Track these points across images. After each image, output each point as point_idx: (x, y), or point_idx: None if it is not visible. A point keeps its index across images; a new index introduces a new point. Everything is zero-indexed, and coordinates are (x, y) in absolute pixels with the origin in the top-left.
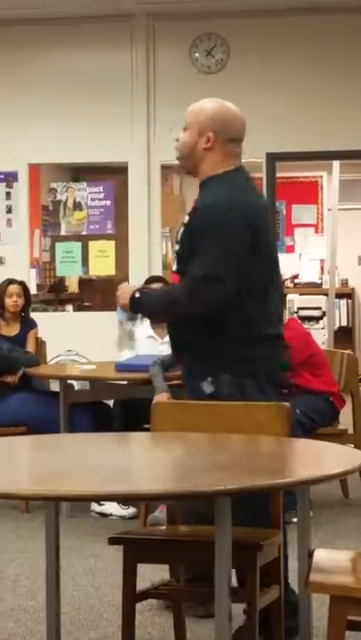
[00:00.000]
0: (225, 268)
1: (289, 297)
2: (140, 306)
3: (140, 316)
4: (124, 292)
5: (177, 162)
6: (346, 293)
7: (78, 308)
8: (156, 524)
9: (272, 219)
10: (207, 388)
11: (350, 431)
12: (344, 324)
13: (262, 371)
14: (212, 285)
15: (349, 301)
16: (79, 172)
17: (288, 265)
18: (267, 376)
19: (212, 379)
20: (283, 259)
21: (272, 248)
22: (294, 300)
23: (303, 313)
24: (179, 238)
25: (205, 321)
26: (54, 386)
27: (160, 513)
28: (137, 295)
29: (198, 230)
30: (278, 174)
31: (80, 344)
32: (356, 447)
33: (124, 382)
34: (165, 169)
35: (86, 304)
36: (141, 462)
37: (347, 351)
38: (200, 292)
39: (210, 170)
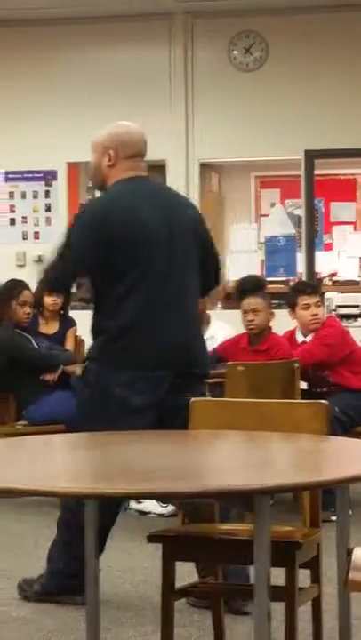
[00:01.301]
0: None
1: (327, 295)
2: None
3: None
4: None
5: (217, 159)
6: None
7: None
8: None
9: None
10: (79, 369)
11: None
12: None
13: (128, 366)
14: (48, 275)
15: None
16: None
17: (326, 263)
18: (134, 372)
19: (86, 364)
20: (321, 256)
21: (152, 248)
22: (333, 297)
23: (342, 311)
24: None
25: (97, 317)
26: None
27: None
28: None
29: (68, 230)
30: (317, 172)
31: None
32: None
33: None
34: (204, 167)
35: None
36: (179, 460)
37: None
38: (46, 276)
39: (111, 182)
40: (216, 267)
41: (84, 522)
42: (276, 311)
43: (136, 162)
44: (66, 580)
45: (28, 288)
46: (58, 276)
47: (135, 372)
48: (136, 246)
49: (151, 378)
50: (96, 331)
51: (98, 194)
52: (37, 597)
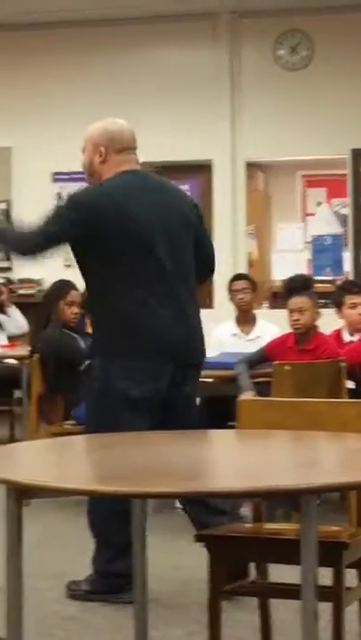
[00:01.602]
0: (44, 224)
1: None
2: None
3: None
4: None
5: (264, 159)
6: None
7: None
8: (242, 521)
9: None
10: (83, 366)
11: None
12: None
13: (128, 357)
14: (34, 237)
15: None
16: (164, 171)
17: None
18: (135, 363)
19: (90, 361)
20: None
21: (150, 238)
22: None
23: None
24: None
25: (93, 312)
26: None
27: (245, 510)
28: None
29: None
30: None
31: None
32: None
33: (210, 380)
34: (250, 166)
35: None
36: (226, 460)
37: None
38: (35, 236)
39: (104, 178)
40: (211, 254)
41: (115, 521)
42: (322, 310)
43: (126, 155)
44: (111, 579)
45: (75, 288)
46: (36, 241)
47: (135, 363)
48: (130, 238)
49: (150, 368)
50: (96, 325)
51: None
52: (86, 597)
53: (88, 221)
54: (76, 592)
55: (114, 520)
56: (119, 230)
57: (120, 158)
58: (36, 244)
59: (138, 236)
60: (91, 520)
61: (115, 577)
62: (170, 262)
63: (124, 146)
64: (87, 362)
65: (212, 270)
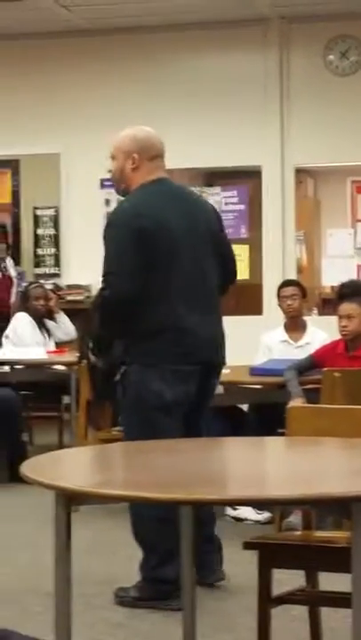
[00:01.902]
0: (113, 263)
1: None
2: (99, 349)
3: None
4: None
5: (313, 164)
6: None
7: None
8: (291, 529)
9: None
10: (117, 376)
11: None
12: None
13: (163, 361)
14: (109, 281)
15: None
16: (213, 177)
17: None
18: (169, 366)
19: (121, 368)
20: None
21: (181, 247)
22: None
23: None
24: None
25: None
26: None
27: (295, 518)
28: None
29: (103, 239)
30: None
31: None
32: None
33: (259, 386)
34: (299, 172)
35: None
36: (276, 467)
37: None
38: (106, 291)
39: (135, 186)
40: (232, 264)
41: (159, 527)
42: None
43: (158, 162)
44: (158, 586)
45: None
46: (119, 287)
47: (169, 367)
48: (166, 246)
49: (185, 372)
50: (129, 332)
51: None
52: (133, 603)
53: (138, 236)
54: (123, 599)
55: (158, 526)
56: (155, 243)
57: (152, 165)
58: (118, 289)
59: (171, 246)
60: (134, 526)
61: (162, 583)
62: (196, 270)
63: (157, 152)
64: (123, 368)
65: (232, 281)
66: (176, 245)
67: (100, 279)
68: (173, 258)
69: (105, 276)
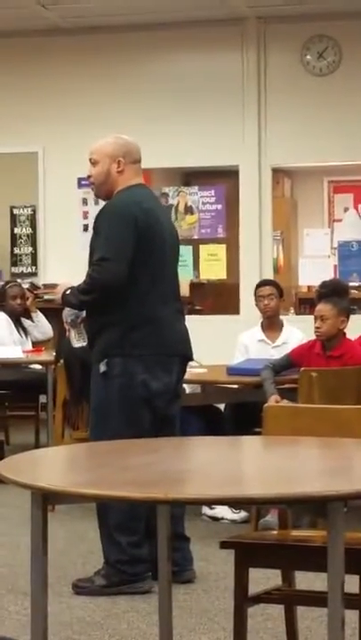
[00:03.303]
0: (111, 249)
1: None
2: (67, 301)
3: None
4: (59, 289)
5: (290, 164)
6: None
7: (189, 312)
8: (268, 528)
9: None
10: (102, 367)
11: None
12: None
13: (147, 352)
14: (104, 265)
15: None
16: (190, 176)
17: None
18: (155, 358)
19: (106, 360)
20: None
21: (164, 247)
22: None
23: None
24: (90, 243)
25: (99, 311)
26: None
27: (271, 517)
28: (66, 292)
29: (95, 229)
30: None
31: None
32: None
33: (236, 386)
34: (277, 172)
35: (197, 308)
36: (253, 466)
37: None
38: (97, 273)
39: (118, 189)
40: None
41: (122, 512)
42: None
43: (138, 167)
44: (125, 568)
45: None
46: (110, 272)
47: (154, 359)
48: (156, 241)
49: (167, 363)
50: (113, 325)
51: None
52: (100, 591)
53: (133, 228)
54: (87, 589)
55: (133, 508)
56: (145, 237)
57: (134, 169)
58: (111, 274)
59: (157, 243)
60: (103, 512)
61: (138, 563)
62: (172, 269)
63: (137, 157)
64: (104, 361)
65: None
66: (163, 242)
67: (91, 266)
68: (160, 253)
69: (99, 261)
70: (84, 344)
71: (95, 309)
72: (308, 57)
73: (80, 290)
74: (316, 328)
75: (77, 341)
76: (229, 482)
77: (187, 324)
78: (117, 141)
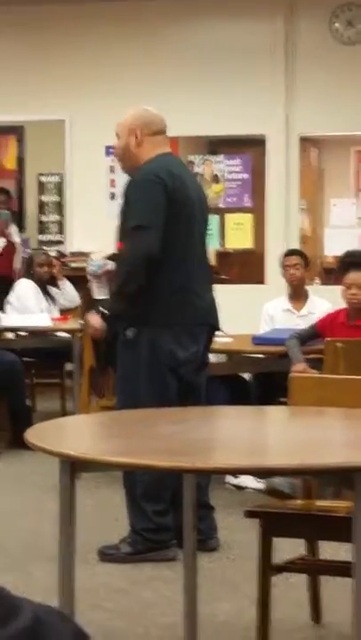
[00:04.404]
0: (146, 216)
1: None
2: (114, 316)
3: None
4: (92, 322)
5: (317, 134)
6: None
7: (215, 281)
8: (274, 489)
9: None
10: (129, 335)
11: None
12: None
13: (176, 321)
14: (139, 233)
15: None
16: (217, 145)
17: None
18: (182, 327)
19: (134, 328)
20: None
21: (193, 216)
22: None
23: None
24: (119, 212)
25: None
26: None
27: (279, 479)
28: (103, 312)
29: (126, 198)
30: None
31: None
32: None
33: (261, 355)
34: (304, 141)
35: (223, 277)
36: (278, 436)
37: None
38: (136, 243)
39: (142, 161)
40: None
41: (148, 481)
42: None
43: (160, 138)
44: (150, 536)
45: None
46: (148, 241)
47: (182, 328)
48: (184, 210)
49: (194, 333)
50: (142, 294)
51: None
52: (128, 558)
53: (164, 195)
54: (113, 556)
55: (160, 477)
56: (175, 203)
57: (155, 140)
58: (149, 243)
59: (187, 213)
60: (130, 480)
61: (164, 531)
62: (201, 238)
63: (158, 128)
64: (132, 329)
65: None
66: (192, 211)
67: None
68: (189, 222)
69: (133, 230)
70: (106, 297)
71: (141, 281)
72: (337, 25)
73: (120, 284)
74: (353, 295)
75: (98, 293)
76: (255, 452)
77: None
78: (136, 114)
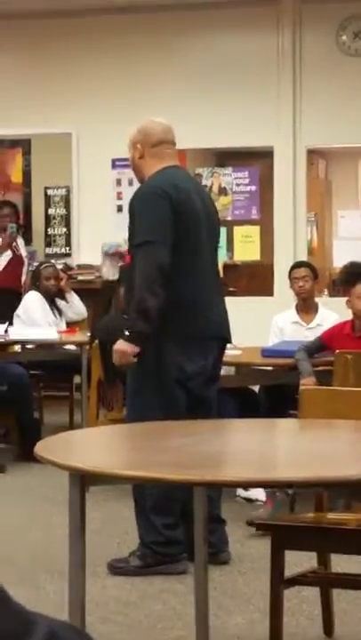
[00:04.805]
0: (154, 231)
1: None
2: (138, 338)
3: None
4: (121, 349)
5: (325, 145)
6: None
7: (225, 293)
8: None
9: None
10: (138, 348)
11: None
12: None
13: (185, 335)
14: (147, 249)
15: None
16: (224, 157)
17: None
18: (192, 341)
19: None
20: None
21: (201, 229)
22: None
23: None
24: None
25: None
26: None
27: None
28: (127, 335)
29: (131, 212)
30: None
31: None
32: None
33: (270, 368)
34: (311, 153)
35: (231, 289)
36: (289, 449)
37: None
38: (146, 259)
39: (148, 174)
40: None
41: (158, 494)
42: None
43: (163, 149)
44: (160, 549)
45: None
46: (158, 255)
47: (191, 341)
48: (192, 222)
49: (204, 346)
50: (161, 306)
51: None
52: (138, 571)
53: (170, 209)
54: (123, 569)
55: (170, 490)
56: (181, 217)
57: (156, 151)
58: (159, 257)
59: (195, 223)
60: (140, 493)
61: (173, 545)
62: (210, 251)
63: (159, 138)
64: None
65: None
66: (199, 224)
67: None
68: (197, 235)
69: (141, 246)
70: (116, 277)
71: (157, 294)
72: (344, 37)
73: (139, 300)
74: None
75: (107, 273)
76: (266, 464)
77: None
78: (140, 126)
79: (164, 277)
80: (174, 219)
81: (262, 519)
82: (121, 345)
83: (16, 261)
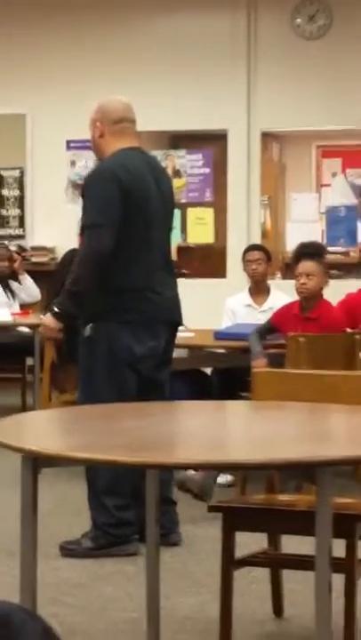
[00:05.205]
0: (100, 214)
1: None
2: (64, 316)
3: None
4: (46, 323)
5: (279, 129)
6: None
7: (177, 276)
8: (184, 484)
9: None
10: (88, 331)
11: None
12: None
13: (135, 318)
14: (94, 232)
15: None
16: (178, 140)
17: None
18: (141, 324)
19: (92, 324)
20: None
21: (152, 211)
22: None
23: None
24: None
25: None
26: None
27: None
28: (56, 310)
29: (82, 196)
30: None
31: None
32: None
33: (223, 350)
34: (265, 136)
35: (184, 271)
36: (241, 431)
37: None
38: (87, 242)
39: (108, 153)
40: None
41: (110, 476)
42: (334, 282)
43: (122, 126)
44: (112, 531)
45: None
46: (102, 239)
47: (140, 324)
48: (144, 205)
49: (153, 329)
50: (101, 288)
51: None
52: (90, 553)
53: (119, 192)
54: (74, 551)
55: (121, 472)
56: (135, 200)
57: (116, 129)
58: (104, 242)
59: (147, 206)
60: (92, 474)
61: (125, 526)
62: (162, 234)
63: (119, 115)
64: (90, 325)
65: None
66: (151, 206)
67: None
68: (148, 218)
69: (88, 228)
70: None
71: (94, 279)
72: (299, 20)
73: (74, 281)
74: (302, 284)
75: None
76: (218, 446)
77: None
78: (99, 104)
79: (103, 263)
80: (123, 202)
81: (194, 483)
82: (47, 319)
83: None
